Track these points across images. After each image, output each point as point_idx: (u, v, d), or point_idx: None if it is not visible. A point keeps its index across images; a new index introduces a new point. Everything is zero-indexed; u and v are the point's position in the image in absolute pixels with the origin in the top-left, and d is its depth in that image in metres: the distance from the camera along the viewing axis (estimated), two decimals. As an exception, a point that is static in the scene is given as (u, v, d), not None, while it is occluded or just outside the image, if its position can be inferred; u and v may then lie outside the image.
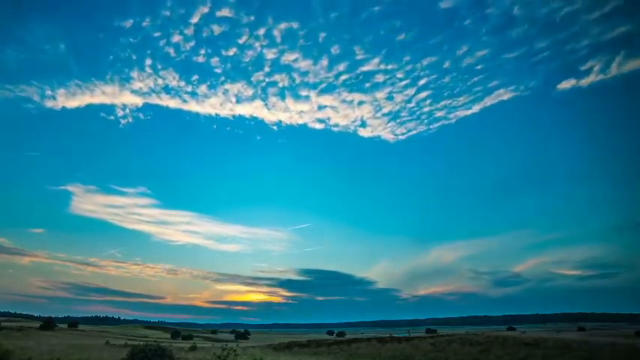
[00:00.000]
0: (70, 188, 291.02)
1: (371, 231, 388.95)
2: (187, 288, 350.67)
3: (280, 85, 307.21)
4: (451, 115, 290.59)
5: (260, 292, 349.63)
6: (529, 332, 48.30)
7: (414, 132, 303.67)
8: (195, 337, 62.57)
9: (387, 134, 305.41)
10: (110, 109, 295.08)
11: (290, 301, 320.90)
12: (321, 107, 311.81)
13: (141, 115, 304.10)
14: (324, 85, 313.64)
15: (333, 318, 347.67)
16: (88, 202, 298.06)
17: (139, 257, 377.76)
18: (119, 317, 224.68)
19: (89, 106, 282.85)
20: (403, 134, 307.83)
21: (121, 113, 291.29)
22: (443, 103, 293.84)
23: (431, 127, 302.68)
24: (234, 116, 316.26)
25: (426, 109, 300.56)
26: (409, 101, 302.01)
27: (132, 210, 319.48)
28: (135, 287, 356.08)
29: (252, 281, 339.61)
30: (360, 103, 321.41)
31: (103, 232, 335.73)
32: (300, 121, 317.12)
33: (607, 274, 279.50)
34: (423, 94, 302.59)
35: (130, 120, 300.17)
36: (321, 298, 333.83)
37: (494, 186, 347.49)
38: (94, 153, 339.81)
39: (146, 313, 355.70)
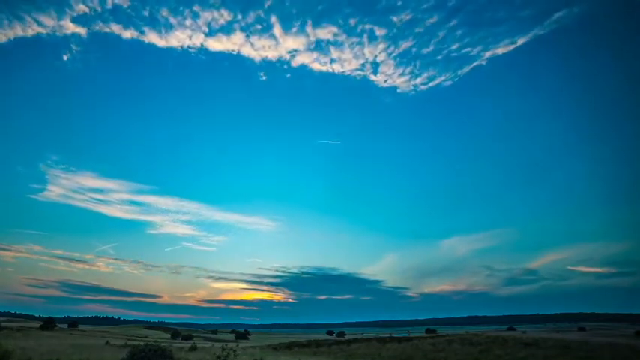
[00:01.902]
0: (43, 169, 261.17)
1: (375, 221, 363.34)
2: (183, 286, 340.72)
3: (266, 4, 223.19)
4: (487, 54, 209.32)
5: (259, 290, 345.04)
6: (529, 332, 48.28)
7: (437, 80, 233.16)
8: (195, 337, 62.52)
9: (404, 84, 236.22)
10: (50, 44, 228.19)
11: (290, 300, 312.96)
12: (320, 43, 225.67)
13: (91, 57, 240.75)
14: (323, 6, 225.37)
15: (334, 318, 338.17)
16: (63, 188, 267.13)
17: (131, 253, 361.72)
18: (119, 317, 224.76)
19: (21, 41, 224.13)
20: (424, 84, 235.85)
21: (67, 57, 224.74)
22: (479, 35, 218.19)
23: (459, 72, 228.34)
24: (207, 52, 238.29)
25: (455, 47, 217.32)
26: (434, 34, 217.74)
27: (114, 197, 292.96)
28: (130, 286, 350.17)
29: (251, 279, 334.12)
30: (372, 38, 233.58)
31: (88, 222, 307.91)
32: (295, 63, 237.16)
33: (628, 272, 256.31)
34: (454, 22, 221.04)
35: (80, 65, 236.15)
36: (322, 297, 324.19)
37: (530, 158, 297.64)
38: (49, 116, 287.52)
39: (142, 312, 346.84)
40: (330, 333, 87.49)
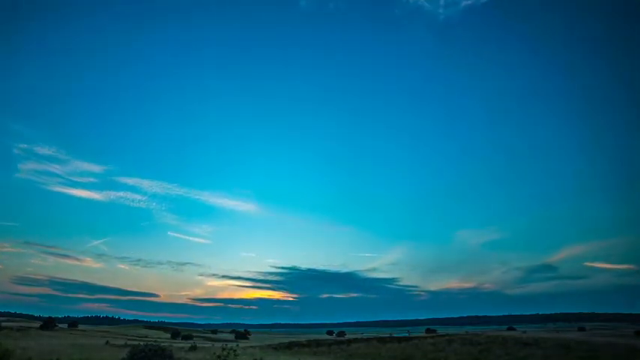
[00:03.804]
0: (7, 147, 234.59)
1: (379, 216, 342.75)
2: (178, 284, 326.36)
3: None
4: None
5: (258, 288, 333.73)
6: (529, 332, 48.32)
7: None
8: (195, 337, 62.51)
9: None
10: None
11: (290, 299, 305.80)
12: None
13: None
14: None
15: (337, 317, 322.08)
16: (35, 169, 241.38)
17: (123, 249, 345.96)
18: (119, 317, 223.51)
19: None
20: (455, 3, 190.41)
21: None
22: None
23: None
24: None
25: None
26: None
27: (91, 180, 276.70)
28: (125, 284, 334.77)
29: (249, 277, 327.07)
30: None
31: (70, 209, 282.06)
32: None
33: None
34: None
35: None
36: (325, 296, 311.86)
37: (549, 143, 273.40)
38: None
39: (139, 311, 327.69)
40: (330, 333, 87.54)
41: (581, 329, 66.12)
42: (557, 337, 32.75)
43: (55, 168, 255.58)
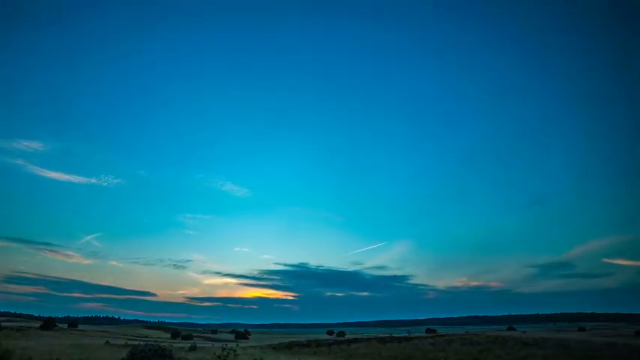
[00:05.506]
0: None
1: (382, 212, 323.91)
2: (175, 282, 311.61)
3: None
4: None
5: (258, 286, 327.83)
6: (529, 332, 48.33)
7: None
8: (195, 337, 62.51)
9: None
10: None
11: (291, 298, 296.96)
12: None
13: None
14: None
15: (339, 317, 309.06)
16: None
17: (116, 245, 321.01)
18: (119, 317, 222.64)
19: None
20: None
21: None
22: None
23: None
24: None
25: None
26: None
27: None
28: (121, 282, 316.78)
29: (249, 274, 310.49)
30: None
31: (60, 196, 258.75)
32: None
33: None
34: None
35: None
36: (328, 294, 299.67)
37: (567, 127, 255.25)
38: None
39: (136, 311, 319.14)
40: (330, 333, 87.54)
41: (581, 329, 66.14)
42: (557, 337, 32.79)
43: (25, 145, 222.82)
